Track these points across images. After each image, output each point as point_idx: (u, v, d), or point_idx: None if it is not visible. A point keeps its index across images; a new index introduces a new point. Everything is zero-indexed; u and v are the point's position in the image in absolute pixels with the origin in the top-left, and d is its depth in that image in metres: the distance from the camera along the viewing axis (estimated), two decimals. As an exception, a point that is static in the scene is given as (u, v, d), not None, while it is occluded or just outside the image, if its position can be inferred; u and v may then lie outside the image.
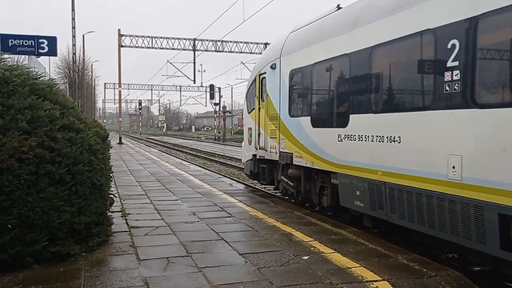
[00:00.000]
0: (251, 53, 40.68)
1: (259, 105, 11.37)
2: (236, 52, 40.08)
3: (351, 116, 7.45)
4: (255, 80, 11.65)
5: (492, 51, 5.18)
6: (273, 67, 10.42)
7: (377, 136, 6.79)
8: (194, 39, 40.47)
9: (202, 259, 5.57)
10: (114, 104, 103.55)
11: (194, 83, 46.41)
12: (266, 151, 10.90)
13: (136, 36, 39.33)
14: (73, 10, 32.48)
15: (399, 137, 6.34)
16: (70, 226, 5.47)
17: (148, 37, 39.71)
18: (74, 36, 33.39)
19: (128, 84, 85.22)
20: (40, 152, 5.16)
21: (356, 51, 7.31)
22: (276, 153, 10.30)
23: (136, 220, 7.80)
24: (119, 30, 38.64)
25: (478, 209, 5.03)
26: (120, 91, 42.20)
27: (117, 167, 17.15)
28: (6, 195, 4.88)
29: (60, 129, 5.57)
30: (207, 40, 40.65)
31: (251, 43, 40.39)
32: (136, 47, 39.45)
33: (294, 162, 9.42)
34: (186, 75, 47.33)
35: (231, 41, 40.73)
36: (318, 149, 8.46)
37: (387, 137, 6.57)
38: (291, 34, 10.28)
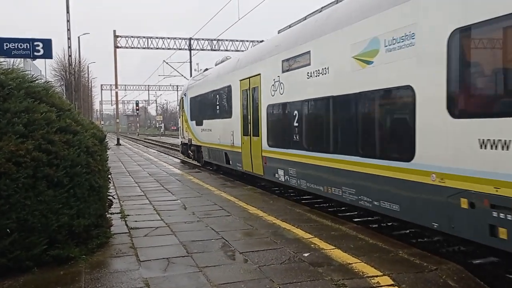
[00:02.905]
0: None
1: (182, 113, 21.36)
2: (232, 50, 39.93)
3: (203, 120, 17.06)
4: (180, 99, 22.07)
5: (222, 99, 14.77)
6: (185, 94, 20.36)
7: (208, 129, 16.48)
8: (190, 39, 40.42)
9: (202, 259, 5.56)
10: (111, 105, 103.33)
11: (191, 82, 46.27)
12: (184, 138, 20.89)
13: (132, 36, 39.28)
14: (68, 12, 32.35)
15: (211, 129, 15.97)
16: (69, 229, 5.45)
17: (144, 37, 39.67)
18: (69, 38, 33.28)
19: (125, 85, 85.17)
20: (37, 155, 5.14)
21: (202, 93, 17.23)
22: (187, 139, 20.13)
23: (136, 221, 7.79)
24: (114, 31, 38.59)
25: (222, 152, 14.80)
26: (116, 93, 42.12)
27: (116, 168, 17.13)
28: (4, 199, 4.86)
29: (57, 132, 5.55)
30: (202, 39, 40.64)
31: (247, 41, 40.32)
32: (132, 47, 39.41)
33: (192, 143, 19.31)
34: (182, 75, 47.13)
35: (226, 40, 40.70)
36: (198, 136, 18.15)
37: (209, 129, 16.26)
38: (191, 78, 21.89)
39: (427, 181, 5.78)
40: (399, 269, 5.07)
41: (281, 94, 10.04)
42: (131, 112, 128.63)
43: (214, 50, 40.91)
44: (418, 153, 5.98)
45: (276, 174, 10.61)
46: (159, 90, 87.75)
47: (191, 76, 43.71)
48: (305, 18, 10.25)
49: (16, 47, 14.21)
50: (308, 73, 8.84)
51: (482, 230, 5.01)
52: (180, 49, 40.62)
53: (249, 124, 12.20)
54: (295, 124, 9.38)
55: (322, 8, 9.61)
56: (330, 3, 9.26)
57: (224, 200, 9.93)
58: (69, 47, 34.22)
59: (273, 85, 10.44)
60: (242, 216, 8.17)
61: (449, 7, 5.46)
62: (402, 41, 6.21)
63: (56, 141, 5.43)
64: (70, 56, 36.93)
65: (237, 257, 5.67)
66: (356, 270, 5.07)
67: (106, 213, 6.84)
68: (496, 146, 4.77)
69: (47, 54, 15.50)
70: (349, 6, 8.12)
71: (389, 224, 8.15)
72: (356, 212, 9.05)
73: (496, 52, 5.13)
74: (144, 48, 39.62)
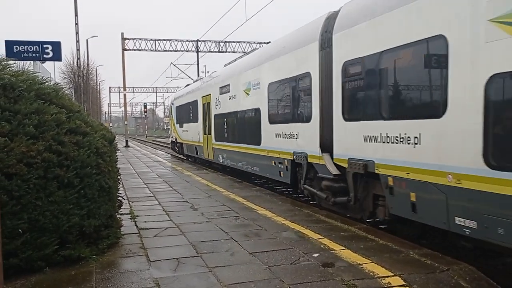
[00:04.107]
0: (255, 52, 40.37)
1: (171, 118, 27.79)
2: (239, 52, 39.87)
3: (183, 124, 23.47)
4: (170, 107, 28.43)
5: (194, 109, 20.88)
6: (173, 103, 27.17)
7: (186, 129, 22.96)
8: (197, 41, 40.50)
9: (212, 259, 5.57)
10: (120, 107, 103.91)
11: (198, 84, 46.30)
12: (173, 138, 27.25)
13: (140, 39, 39.45)
14: (76, 15, 32.57)
15: (188, 130, 22.42)
16: (80, 229, 5.49)
17: (151, 39, 39.80)
18: (78, 41, 33.44)
19: (133, 87, 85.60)
20: (48, 156, 5.18)
21: (183, 104, 23.71)
22: (174, 138, 26.58)
23: (145, 221, 7.82)
24: (122, 33, 38.81)
25: (194, 146, 21.07)
26: (125, 95, 42.31)
27: (125, 169, 17.19)
28: (16, 200, 4.90)
29: (67, 133, 5.59)
30: (210, 41, 40.70)
31: (254, 42, 40.27)
32: (140, 50, 39.54)
33: (178, 141, 25.39)
34: (190, 77, 47.23)
35: (234, 42, 40.73)
36: (180, 135, 24.45)
37: (187, 130, 22.76)
38: (177, 91, 28.54)
39: (265, 154, 11.82)
40: (410, 270, 5.03)
41: (220, 108, 16.17)
42: (139, 114, 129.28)
43: (221, 52, 40.97)
44: (262, 141, 11.97)
45: (219, 158, 16.75)
46: (167, 92, 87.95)
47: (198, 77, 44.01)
48: (235, 60, 16.90)
49: (25, 49, 14.26)
50: (229, 96, 14.94)
51: (278, 174, 11.19)
52: (187, 51, 40.73)
53: (206, 127, 18.34)
54: (225, 126, 15.59)
55: (242, 55, 17.02)
56: (247, 52, 15.73)
57: (232, 201, 9.93)
58: (78, 49, 34.40)
59: (215, 102, 16.65)
60: (251, 216, 8.16)
61: (268, 72, 11.45)
62: (257, 85, 12.22)
63: (66, 142, 5.47)
64: (78, 58, 37.18)
65: (247, 257, 5.65)
66: (367, 271, 5.04)
67: (116, 213, 6.87)
68: (279, 136, 10.80)
69: (57, 57, 15.54)
70: (243, 61, 14.81)
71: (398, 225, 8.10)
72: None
73: (276, 95, 11.10)
74: (151, 50, 39.79)
